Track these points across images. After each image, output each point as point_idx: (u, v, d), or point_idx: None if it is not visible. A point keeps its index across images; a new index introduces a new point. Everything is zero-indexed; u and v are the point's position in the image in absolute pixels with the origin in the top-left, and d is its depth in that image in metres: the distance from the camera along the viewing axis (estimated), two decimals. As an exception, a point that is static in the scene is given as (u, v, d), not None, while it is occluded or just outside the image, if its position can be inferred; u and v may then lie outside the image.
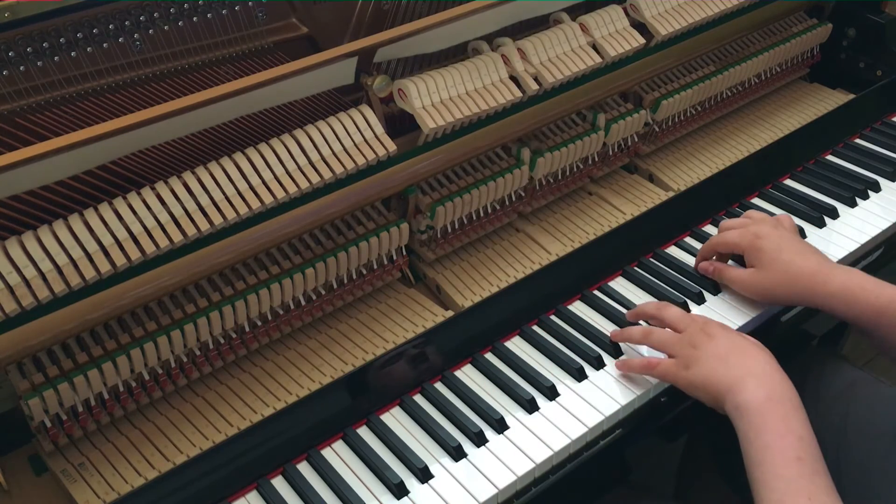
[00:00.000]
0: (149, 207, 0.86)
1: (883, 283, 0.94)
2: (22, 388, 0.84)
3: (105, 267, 0.83)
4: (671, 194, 1.27)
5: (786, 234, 1.03)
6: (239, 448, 0.88)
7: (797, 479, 0.77)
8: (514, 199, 1.16)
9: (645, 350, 0.97)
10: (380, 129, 0.99)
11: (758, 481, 0.79)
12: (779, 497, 0.77)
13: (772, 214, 1.18)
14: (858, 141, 1.36)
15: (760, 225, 1.03)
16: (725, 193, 1.23)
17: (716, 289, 1.06)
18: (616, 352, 0.98)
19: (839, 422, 1.02)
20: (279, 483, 0.85)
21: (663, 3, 1.23)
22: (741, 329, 1.01)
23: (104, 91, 0.91)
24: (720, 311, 1.03)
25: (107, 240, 0.84)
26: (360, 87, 1.02)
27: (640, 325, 0.99)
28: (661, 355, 0.94)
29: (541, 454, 0.87)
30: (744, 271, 1.02)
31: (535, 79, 1.09)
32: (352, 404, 0.94)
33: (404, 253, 1.09)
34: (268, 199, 0.91)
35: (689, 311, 1.03)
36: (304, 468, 0.86)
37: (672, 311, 0.95)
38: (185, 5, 0.93)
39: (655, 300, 1.03)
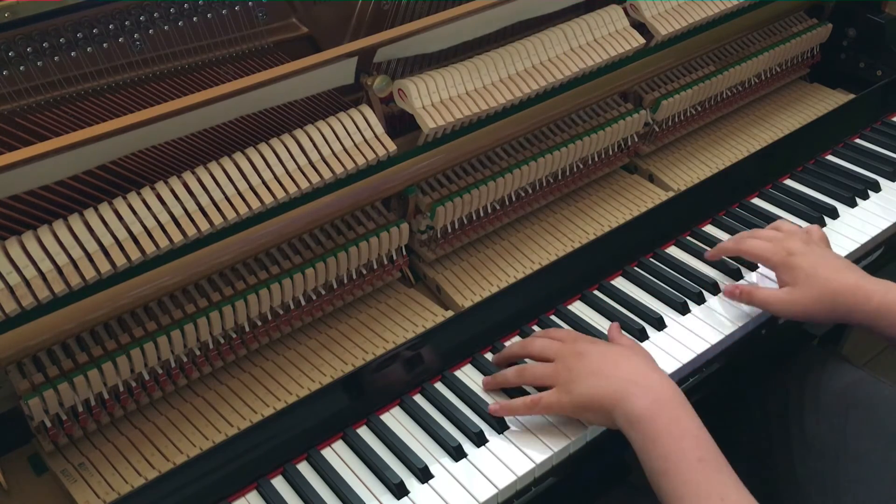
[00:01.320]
0: (149, 207, 0.86)
1: None
2: (22, 388, 0.84)
3: (105, 267, 0.83)
4: (671, 194, 1.27)
5: (818, 248, 1.00)
6: (239, 448, 0.88)
7: (704, 481, 0.76)
8: (514, 199, 1.16)
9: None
10: (380, 129, 0.99)
11: (665, 492, 0.78)
12: (691, 503, 0.76)
13: (772, 214, 1.19)
14: (858, 141, 1.36)
15: (792, 240, 1.00)
16: (725, 193, 1.23)
17: (716, 289, 1.06)
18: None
19: (839, 422, 1.02)
20: (279, 483, 0.85)
21: (663, 3, 1.23)
22: (741, 329, 1.01)
23: (104, 91, 0.91)
24: (720, 311, 1.03)
25: (107, 240, 0.84)
26: (360, 87, 1.02)
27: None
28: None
29: (541, 454, 0.87)
30: (778, 292, 0.98)
31: (535, 79, 1.09)
32: (352, 404, 0.94)
33: (404, 253, 1.09)
34: (268, 199, 0.91)
35: (688, 311, 1.03)
36: (304, 468, 0.86)
37: (537, 344, 0.92)
38: (185, 5, 0.93)
39: (520, 339, 0.98)
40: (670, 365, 0.96)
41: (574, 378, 0.86)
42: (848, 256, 1.12)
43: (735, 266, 1.09)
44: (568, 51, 1.13)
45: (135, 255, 0.84)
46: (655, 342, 0.99)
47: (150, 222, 0.86)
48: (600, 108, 1.24)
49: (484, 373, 0.95)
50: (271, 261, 0.99)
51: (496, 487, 0.84)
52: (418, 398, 0.93)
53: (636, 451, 0.81)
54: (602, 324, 1.02)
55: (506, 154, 1.15)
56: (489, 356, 0.97)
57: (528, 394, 0.91)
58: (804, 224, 1.16)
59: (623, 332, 0.97)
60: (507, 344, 0.98)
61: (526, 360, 0.94)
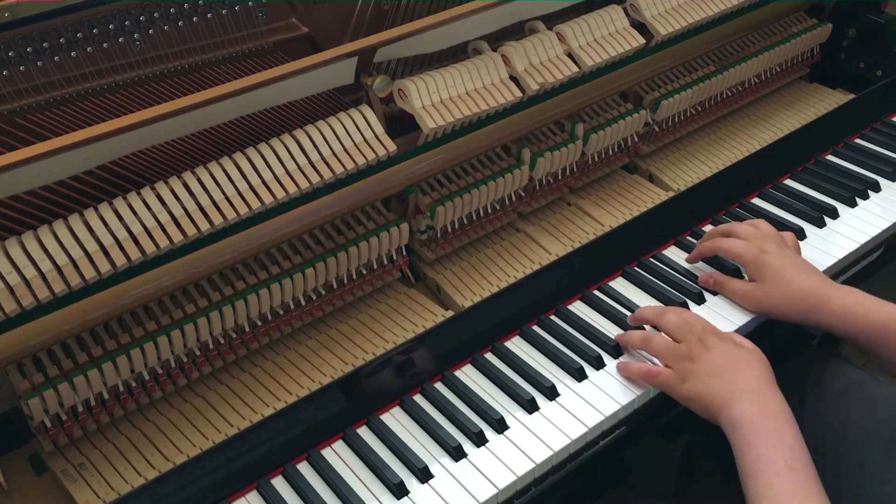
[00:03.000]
0: (149, 207, 0.86)
1: (882, 302, 0.95)
2: (22, 388, 0.84)
3: (105, 267, 0.83)
4: (671, 194, 1.27)
5: (789, 252, 1.04)
6: (239, 448, 0.88)
7: (789, 488, 0.79)
8: (514, 199, 1.16)
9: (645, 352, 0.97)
10: (380, 129, 0.99)
11: (751, 491, 0.80)
12: None
13: (772, 214, 1.19)
14: (858, 141, 1.36)
15: (767, 241, 1.04)
16: (725, 193, 1.23)
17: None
18: (617, 352, 0.98)
19: (839, 422, 1.02)
20: (279, 483, 0.85)
21: (663, 3, 1.23)
22: (741, 329, 1.01)
23: (104, 91, 0.91)
24: (720, 312, 1.03)
25: (107, 240, 0.84)
26: (360, 87, 1.02)
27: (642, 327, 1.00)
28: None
29: (541, 454, 0.87)
30: (746, 285, 1.03)
31: (535, 79, 1.09)
32: (352, 404, 0.94)
33: (404, 253, 1.09)
34: (268, 199, 0.91)
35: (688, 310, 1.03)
36: (304, 468, 0.86)
37: (670, 319, 0.95)
38: (185, 5, 0.93)
39: (657, 304, 1.03)
40: (670, 365, 0.96)
41: (695, 370, 0.89)
42: (848, 256, 1.12)
43: (734, 266, 1.08)
44: (568, 51, 1.13)
45: (135, 255, 0.84)
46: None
47: (150, 222, 0.86)
48: (600, 107, 1.24)
49: (484, 373, 0.95)
50: (271, 261, 0.99)
51: (496, 487, 0.84)
52: (418, 398, 0.93)
53: (733, 449, 0.84)
54: (602, 324, 1.02)
55: (506, 154, 1.15)
56: (489, 356, 0.97)
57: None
58: (803, 224, 1.16)
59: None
60: (509, 344, 0.99)
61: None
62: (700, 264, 1.10)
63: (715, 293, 1.06)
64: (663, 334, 0.96)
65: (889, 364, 0.95)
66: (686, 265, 1.10)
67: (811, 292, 0.98)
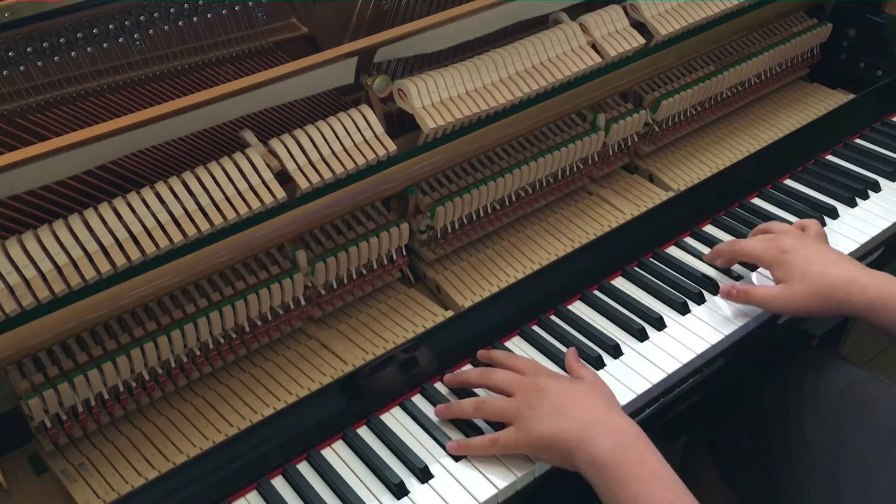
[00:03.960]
0: (149, 207, 0.86)
1: None
2: (22, 388, 0.84)
3: (105, 267, 0.83)
4: (671, 194, 1.27)
5: (811, 243, 1.00)
6: (239, 448, 0.88)
7: None
8: (514, 199, 1.16)
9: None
10: (380, 129, 0.99)
11: None
12: None
13: (772, 214, 1.19)
14: (858, 141, 1.36)
15: (785, 238, 1.01)
16: (725, 193, 1.23)
17: (716, 289, 1.06)
18: (616, 352, 0.98)
19: (839, 422, 1.02)
20: (279, 483, 0.85)
21: (663, 3, 1.23)
22: (741, 330, 1.01)
23: (104, 91, 0.91)
24: (720, 312, 1.03)
25: (107, 240, 0.84)
26: (360, 87, 1.02)
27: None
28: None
29: (541, 454, 0.87)
30: (773, 290, 0.99)
31: (535, 79, 1.09)
32: (352, 404, 0.94)
33: (404, 253, 1.09)
34: (268, 199, 0.91)
35: (688, 311, 1.03)
36: (304, 468, 0.86)
37: (497, 377, 0.90)
38: (185, 5, 0.93)
39: (476, 368, 0.94)
40: (670, 365, 0.96)
41: (534, 416, 0.84)
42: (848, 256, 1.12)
43: (737, 275, 1.09)
44: (568, 51, 1.13)
45: (135, 255, 0.84)
46: (655, 342, 0.99)
47: (150, 222, 0.85)
48: (600, 108, 1.24)
49: (484, 373, 0.95)
50: (271, 261, 0.99)
51: (496, 487, 0.84)
52: (418, 398, 0.93)
53: (599, 494, 0.80)
54: (602, 324, 1.02)
55: (506, 154, 1.15)
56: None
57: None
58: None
59: (581, 361, 0.94)
60: (509, 344, 0.98)
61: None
62: (706, 267, 1.09)
63: (715, 293, 1.06)
64: (493, 395, 0.90)
65: None
66: (687, 265, 1.10)
67: (844, 284, 0.94)
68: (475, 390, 0.93)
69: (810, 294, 0.96)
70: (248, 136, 0.93)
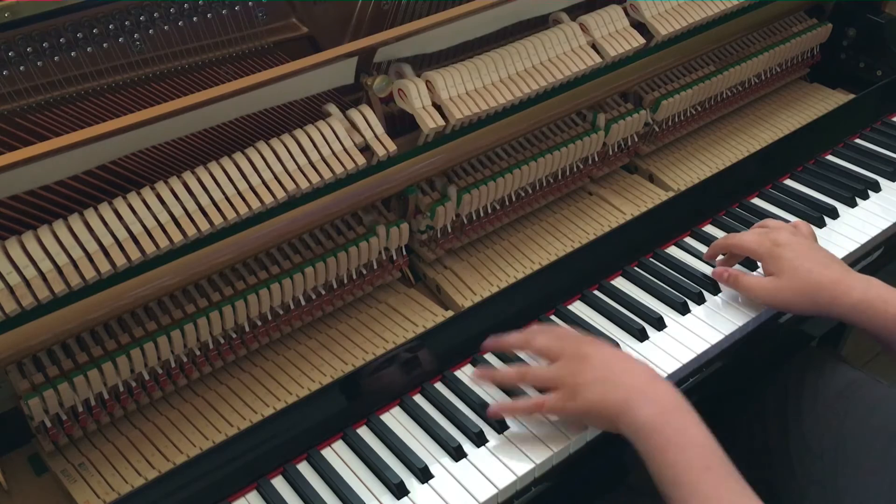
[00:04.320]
0: (149, 207, 0.86)
1: None
2: (22, 388, 0.84)
3: (105, 267, 0.83)
4: (671, 194, 1.27)
5: (805, 241, 1.01)
6: (239, 448, 0.88)
7: (712, 489, 0.77)
8: (514, 198, 1.16)
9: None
10: (380, 129, 0.99)
11: (675, 499, 0.78)
12: None
13: (772, 214, 1.18)
14: (858, 141, 1.36)
15: (779, 232, 1.02)
16: (725, 193, 1.23)
17: (716, 289, 1.06)
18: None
19: (838, 422, 1.02)
20: (279, 483, 0.85)
21: (663, 3, 1.23)
22: (742, 329, 1.01)
23: (104, 91, 0.91)
24: (720, 311, 1.03)
25: (107, 240, 0.84)
26: (360, 87, 1.02)
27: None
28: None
29: (541, 454, 0.87)
30: (762, 279, 1.00)
31: (535, 79, 1.09)
32: (352, 404, 0.94)
33: (404, 253, 1.09)
34: (268, 199, 0.91)
35: (688, 311, 1.03)
36: (304, 468, 0.86)
37: (541, 341, 0.91)
38: (185, 5, 0.93)
39: (518, 331, 0.94)
40: (670, 365, 0.96)
41: (579, 384, 0.85)
42: (848, 256, 1.12)
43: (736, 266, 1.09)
44: (568, 51, 1.13)
45: (135, 255, 0.84)
46: (655, 342, 0.99)
47: (150, 222, 0.85)
48: (600, 108, 1.24)
49: (484, 373, 0.96)
50: (271, 261, 0.99)
51: (496, 487, 0.84)
52: (418, 398, 0.93)
53: (643, 458, 0.81)
54: (602, 324, 1.02)
55: (506, 154, 1.15)
56: (489, 356, 0.97)
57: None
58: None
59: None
60: (502, 336, 0.99)
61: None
62: (706, 267, 1.09)
63: (715, 293, 1.06)
64: (535, 363, 0.92)
65: None
66: (687, 265, 1.10)
67: (831, 285, 0.95)
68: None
69: (797, 290, 0.97)
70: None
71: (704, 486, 0.77)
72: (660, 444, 0.80)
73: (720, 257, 1.09)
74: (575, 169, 1.22)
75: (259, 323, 0.99)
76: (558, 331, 0.94)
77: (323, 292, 1.03)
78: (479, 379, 0.93)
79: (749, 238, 1.03)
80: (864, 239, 1.15)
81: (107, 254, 0.83)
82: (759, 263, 1.06)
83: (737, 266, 1.07)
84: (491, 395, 0.93)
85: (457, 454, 0.87)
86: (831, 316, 0.97)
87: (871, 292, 0.93)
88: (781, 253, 0.99)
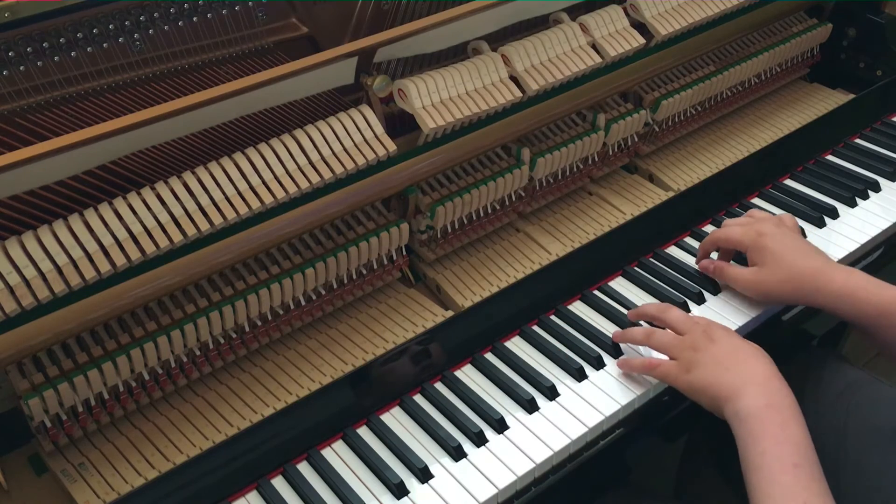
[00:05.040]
0: (149, 207, 0.86)
1: (884, 284, 0.94)
2: (22, 388, 0.84)
3: (105, 267, 0.83)
4: (671, 194, 1.27)
5: (789, 233, 1.03)
6: (239, 448, 0.88)
7: (793, 484, 0.78)
8: (514, 199, 1.16)
9: (644, 350, 0.97)
10: (380, 129, 0.99)
11: (754, 486, 0.79)
12: (774, 502, 0.77)
13: (773, 214, 1.18)
14: (858, 141, 1.36)
15: (764, 223, 1.03)
16: (725, 193, 1.23)
17: (716, 289, 1.06)
18: (616, 351, 0.98)
19: (839, 422, 1.02)
20: (279, 483, 0.85)
21: (663, 3, 1.23)
22: (741, 329, 1.01)
23: (104, 91, 0.91)
24: (720, 312, 1.03)
25: (107, 240, 0.84)
26: (360, 87, 1.02)
27: (641, 325, 0.99)
28: (662, 356, 0.94)
29: (541, 454, 0.87)
30: (746, 270, 1.02)
31: (535, 79, 1.09)
32: (352, 404, 0.94)
33: (404, 253, 1.09)
34: (268, 199, 0.91)
35: (688, 311, 1.03)
36: (304, 468, 0.86)
37: (674, 314, 0.95)
38: (185, 5, 0.93)
39: (657, 301, 1.03)
40: (670, 365, 0.96)
41: (698, 360, 0.88)
42: (848, 256, 1.12)
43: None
44: (568, 51, 1.13)
45: (135, 255, 0.84)
46: (655, 342, 0.99)
47: (150, 222, 0.86)
48: (600, 108, 1.24)
49: (484, 373, 0.95)
50: (271, 261, 0.99)
51: (496, 487, 0.84)
52: (418, 398, 0.93)
53: (737, 442, 0.83)
54: (602, 324, 1.02)
55: (506, 154, 1.15)
56: (489, 356, 0.97)
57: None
58: (803, 224, 1.16)
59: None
60: (509, 344, 0.99)
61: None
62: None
63: (715, 293, 1.06)
64: (665, 329, 0.95)
65: (890, 347, 0.94)
66: (687, 265, 1.10)
67: (813, 274, 0.96)
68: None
69: (780, 280, 0.98)
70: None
71: (788, 479, 0.78)
72: (757, 432, 0.81)
73: (715, 254, 1.09)
74: (575, 169, 1.22)
75: (259, 323, 0.99)
76: (694, 316, 0.97)
77: (323, 292, 1.03)
78: (617, 339, 0.97)
79: (735, 231, 1.04)
80: (864, 239, 1.15)
81: (107, 254, 0.83)
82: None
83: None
84: (491, 395, 0.93)
85: (457, 454, 0.87)
86: (815, 305, 0.98)
87: (851, 281, 0.95)
88: (765, 244, 1.00)
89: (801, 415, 0.84)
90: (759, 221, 1.04)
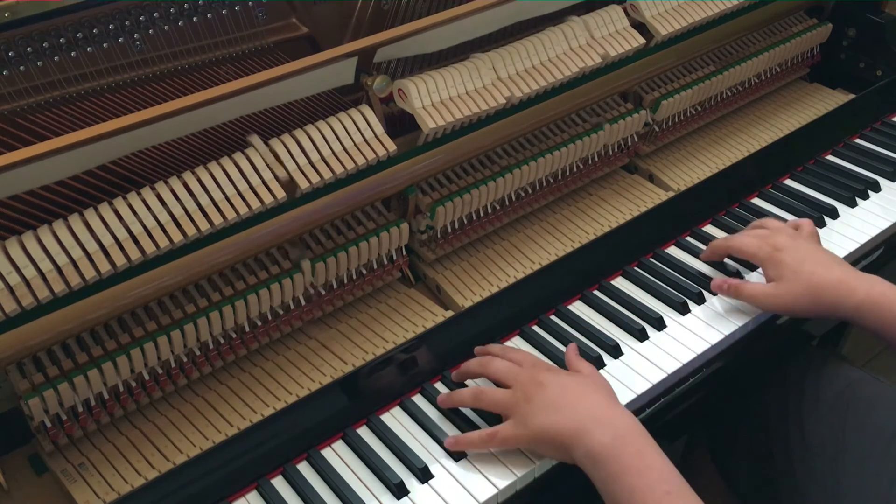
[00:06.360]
0: (149, 207, 0.86)
1: None
2: (22, 388, 0.84)
3: (105, 267, 0.83)
4: (671, 194, 1.27)
5: (804, 243, 1.01)
6: (239, 448, 0.88)
7: None
8: (514, 199, 1.16)
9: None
10: (380, 129, 0.99)
11: None
12: None
13: (772, 214, 1.18)
14: (858, 141, 1.36)
15: (778, 235, 1.01)
16: (725, 193, 1.23)
17: (716, 289, 1.06)
18: (616, 352, 0.98)
19: (839, 422, 1.02)
20: (279, 483, 0.85)
21: (663, 3, 1.23)
22: (741, 330, 1.01)
23: (104, 91, 0.91)
24: (720, 312, 1.03)
25: (107, 240, 0.84)
26: (360, 87, 1.02)
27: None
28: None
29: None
30: (765, 287, 0.99)
31: (535, 79, 1.09)
32: (352, 404, 0.94)
33: (404, 253, 1.09)
34: (268, 199, 0.91)
35: (688, 311, 1.03)
36: (304, 468, 0.86)
37: (495, 366, 0.89)
38: (185, 5, 0.93)
39: (477, 357, 0.94)
40: (670, 365, 0.96)
41: (532, 410, 0.83)
42: (848, 256, 1.12)
43: (735, 268, 1.09)
44: (568, 51, 1.13)
45: (135, 255, 0.84)
46: (655, 342, 0.99)
47: (150, 222, 0.85)
48: (600, 107, 1.24)
49: (484, 373, 0.95)
50: (271, 261, 0.99)
51: (496, 487, 0.84)
52: (418, 398, 0.93)
53: (598, 487, 0.79)
54: (602, 324, 1.02)
55: (506, 154, 1.15)
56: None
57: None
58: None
59: (580, 357, 0.93)
60: (509, 344, 0.98)
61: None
62: (706, 267, 1.09)
63: (715, 293, 1.06)
64: (492, 386, 0.90)
65: None
66: (687, 265, 1.10)
67: (835, 286, 0.94)
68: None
69: (800, 294, 0.96)
70: (255, 140, 0.92)
71: None
72: (616, 471, 0.77)
73: (711, 269, 1.09)
74: (575, 169, 1.22)
75: (259, 323, 0.99)
76: (518, 356, 0.91)
77: (323, 292, 1.03)
78: (442, 404, 0.90)
79: (748, 242, 1.02)
80: (864, 239, 1.15)
81: (107, 254, 0.83)
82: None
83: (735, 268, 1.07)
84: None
85: (456, 454, 0.87)
86: (836, 317, 0.96)
87: (874, 292, 0.93)
88: (782, 258, 0.98)
89: (649, 436, 0.80)
90: (774, 233, 1.02)
